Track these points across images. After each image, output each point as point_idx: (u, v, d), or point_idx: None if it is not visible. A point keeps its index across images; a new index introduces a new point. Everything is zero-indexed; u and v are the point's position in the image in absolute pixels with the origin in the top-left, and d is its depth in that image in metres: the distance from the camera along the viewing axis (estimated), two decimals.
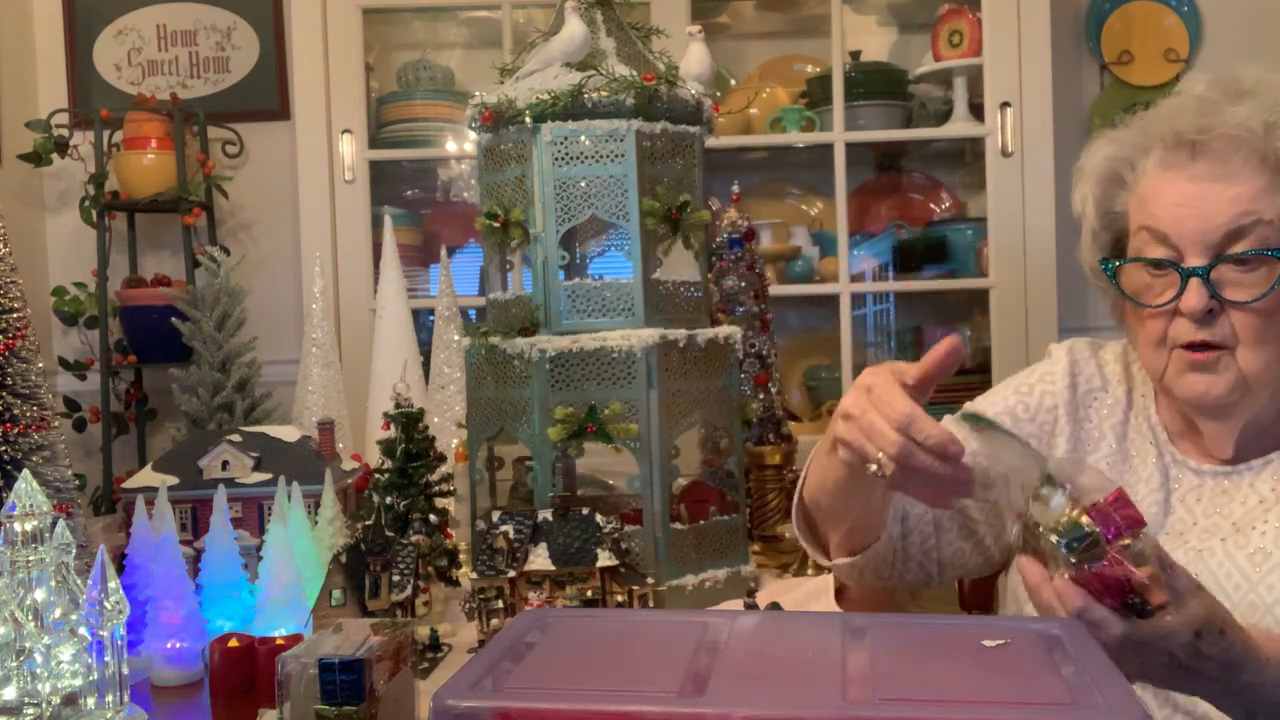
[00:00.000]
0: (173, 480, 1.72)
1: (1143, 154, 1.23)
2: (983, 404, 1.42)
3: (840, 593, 1.48)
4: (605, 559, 1.40)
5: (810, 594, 1.63)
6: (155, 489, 1.57)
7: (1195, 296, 1.15)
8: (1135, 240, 1.23)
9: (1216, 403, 1.20)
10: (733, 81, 3.06)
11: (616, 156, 1.60)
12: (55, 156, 2.80)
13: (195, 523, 1.72)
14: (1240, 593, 1.17)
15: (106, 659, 1.02)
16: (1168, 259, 1.18)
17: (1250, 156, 1.15)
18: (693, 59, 1.77)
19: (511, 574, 1.40)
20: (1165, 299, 1.18)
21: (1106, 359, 1.39)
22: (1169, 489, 1.28)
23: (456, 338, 2.13)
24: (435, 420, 2.04)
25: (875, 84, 2.89)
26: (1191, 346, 1.18)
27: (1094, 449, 1.34)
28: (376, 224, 2.72)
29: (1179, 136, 1.18)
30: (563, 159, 1.60)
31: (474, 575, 1.43)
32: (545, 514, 1.45)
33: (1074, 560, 0.93)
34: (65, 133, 2.81)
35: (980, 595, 1.74)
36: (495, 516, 1.47)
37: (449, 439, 1.99)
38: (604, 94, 1.59)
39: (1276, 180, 1.14)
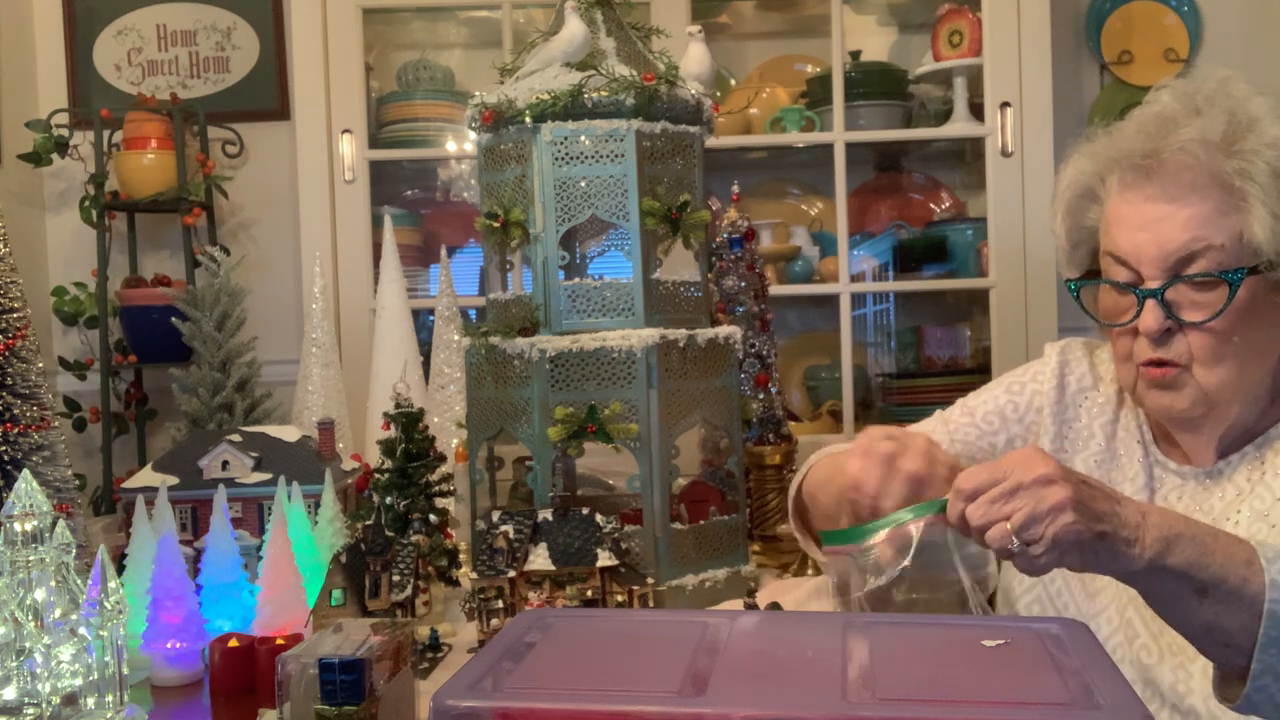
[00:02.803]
0: (173, 480, 1.72)
1: (1109, 171, 1.26)
2: (975, 400, 1.45)
3: None
4: (605, 559, 1.40)
5: (810, 594, 1.63)
6: (155, 489, 1.57)
7: (1151, 317, 1.18)
8: (1102, 263, 1.27)
9: (1180, 416, 1.23)
10: (733, 81, 3.06)
11: (616, 156, 1.60)
12: (55, 156, 2.80)
13: (195, 523, 1.72)
14: None
15: (106, 659, 1.02)
16: (1127, 282, 1.21)
17: (1199, 176, 1.16)
18: (693, 59, 1.77)
19: (511, 574, 1.40)
20: (1127, 318, 1.22)
21: (1103, 357, 1.41)
22: (1152, 489, 1.30)
23: (456, 338, 2.13)
24: (435, 420, 2.04)
25: (875, 84, 2.89)
26: (1150, 364, 1.21)
27: (1083, 448, 1.36)
28: (376, 224, 2.72)
29: (1131, 160, 1.21)
30: (563, 159, 1.60)
31: (474, 575, 1.43)
32: (545, 514, 1.45)
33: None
34: (65, 133, 2.81)
35: None
36: (495, 516, 1.47)
37: (449, 439, 1.99)
38: (604, 94, 1.59)
39: (1228, 200, 1.15)
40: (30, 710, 0.99)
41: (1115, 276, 1.23)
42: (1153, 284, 1.18)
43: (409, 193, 3.15)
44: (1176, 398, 1.21)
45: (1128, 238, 1.20)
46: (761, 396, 1.98)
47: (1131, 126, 1.24)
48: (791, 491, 1.45)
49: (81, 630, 1.01)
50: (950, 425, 1.44)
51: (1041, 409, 1.39)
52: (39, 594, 1.00)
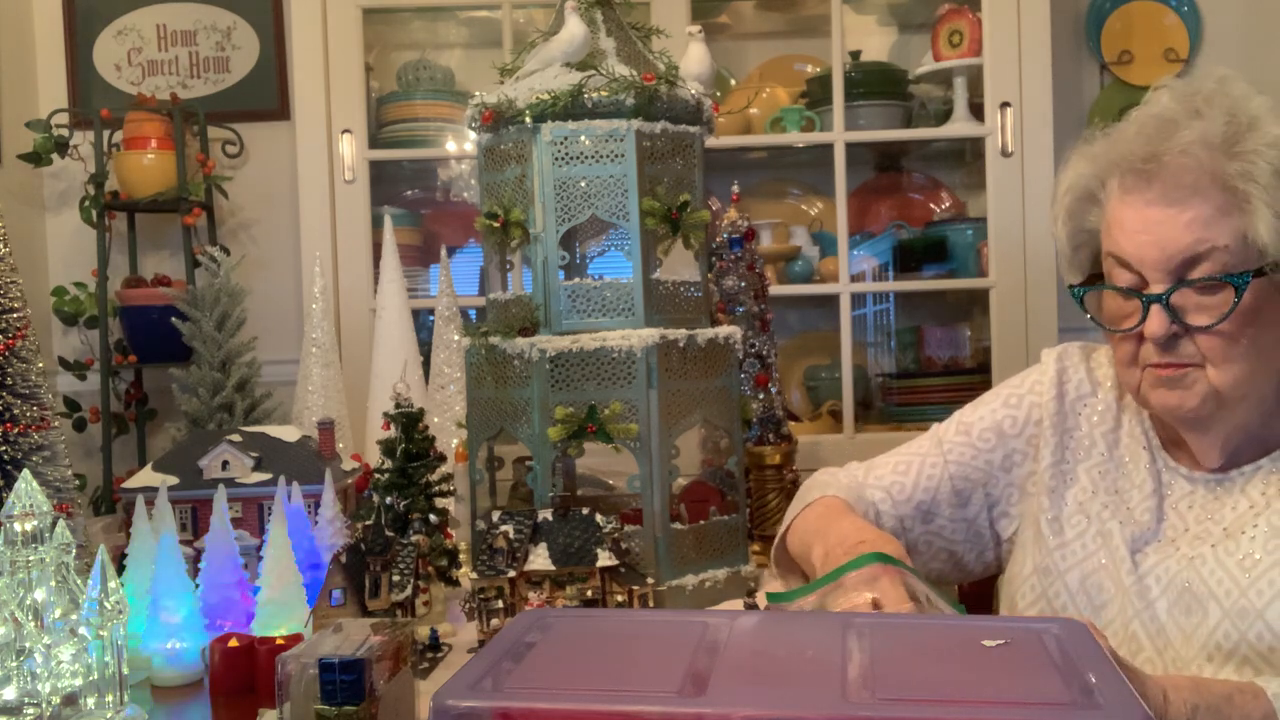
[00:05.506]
0: (173, 480, 1.72)
1: (1109, 174, 1.24)
2: (972, 415, 1.43)
3: None
4: (605, 559, 1.40)
5: None
6: (155, 489, 1.57)
7: (1156, 323, 1.17)
8: (1105, 264, 1.25)
9: (1190, 415, 1.21)
10: (733, 81, 3.06)
11: (616, 156, 1.60)
12: (55, 156, 2.80)
13: (195, 523, 1.72)
14: (1231, 599, 1.18)
15: (106, 659, 1.02)
16: (1132, 286, 1.20)
17: (1200, 178, 1.15)
18: (693, 59, 1.76)
19: (511, 574, 1.40)
20: (1132, 324, 1.21)
21: (1100, 361, 1.40)
22: (1162, 495, 1.29)
23: (456, 338, 2.13)
24: (435, 420, 2.04)
25: (875, 84, 2.89)
26: (1158, 365, 1.20)
27: (1085, 457, 1.35)
28: (376, 224, 2.72)
29: (1131, 164, 1.20)
30: (563, 159, 1.60)
31: (474, 575, 1.43)
32: (545, 514, 1.45)
33: None
34: (65, 133, 2.81)
35: (979, 595, 1.74)
36: (495, 516, 1.47)
37: (449, 439, 1.99)
38: (604, 94, 1.59)
39: (1231, 201, 1.14)
40: (30, 710, 0.99)
41: (1119, 280, 1.22)
42: (1157, 288, 1.17)
43: (409, 193, 3.15)
44: (1186, 395, 1.19)
45: (1130, 240, 1.19)
46: (761, 396, 1.98)
47: (1131, 129, 1.23)
48: (776, 540, 1.43)
49: (81, 630, 1.02)
50: (945, 446, 1.42)
51: (1041, 421, 1.38)
52: (39, 594, 1.00)
